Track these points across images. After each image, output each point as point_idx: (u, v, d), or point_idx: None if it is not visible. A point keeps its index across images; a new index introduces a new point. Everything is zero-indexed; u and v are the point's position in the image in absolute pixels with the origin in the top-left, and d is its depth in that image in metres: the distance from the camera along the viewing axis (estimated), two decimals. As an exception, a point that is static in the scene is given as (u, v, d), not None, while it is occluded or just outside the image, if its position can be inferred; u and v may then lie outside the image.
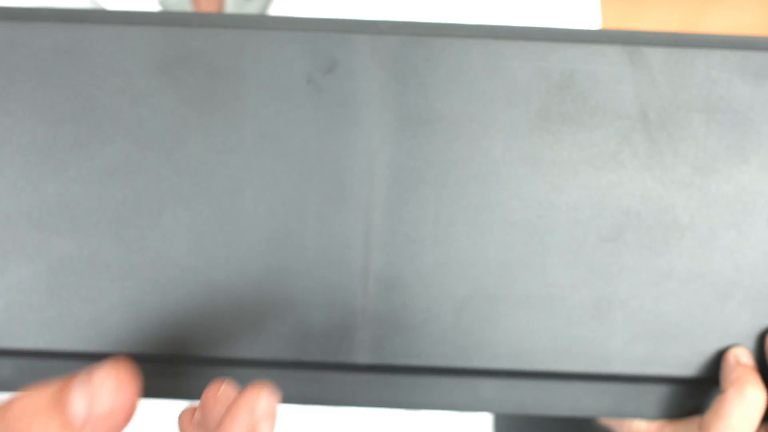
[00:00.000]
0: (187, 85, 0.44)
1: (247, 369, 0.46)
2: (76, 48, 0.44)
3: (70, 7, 0.44)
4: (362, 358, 0.46)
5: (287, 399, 0.46)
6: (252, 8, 0.59)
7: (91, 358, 0.46)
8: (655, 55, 0.44)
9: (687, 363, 0.46)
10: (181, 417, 0.41)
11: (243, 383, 0.46)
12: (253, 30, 0.44)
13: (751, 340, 0.46)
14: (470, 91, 0.44)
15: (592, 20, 0.64)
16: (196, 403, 0.42)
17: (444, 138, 0.45)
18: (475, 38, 0.44)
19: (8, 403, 0.33)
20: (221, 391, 0.39)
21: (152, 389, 0.46)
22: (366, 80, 0.44)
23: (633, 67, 0.44)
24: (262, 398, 0.36)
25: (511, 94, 0.44)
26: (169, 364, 0.46)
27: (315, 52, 0.44)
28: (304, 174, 0.45)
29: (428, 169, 0.45)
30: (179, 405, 0.45)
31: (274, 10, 0.58)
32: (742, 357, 0.45)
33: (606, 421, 0.51)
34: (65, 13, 0.44)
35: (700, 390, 0.47)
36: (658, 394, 0.47)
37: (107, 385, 0.34)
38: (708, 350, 0.46)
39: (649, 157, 0.45)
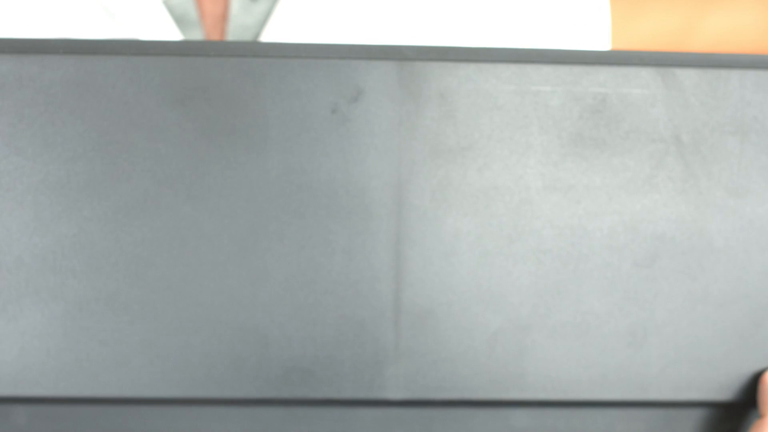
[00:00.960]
0: (205, 117, 0.43)
1: (276, 409, 0.45)
2: (87, 81, 0.42)
3: (81, 38, 0.42)
4: (394, 393, 0.45)
5: None
6: (258, 9, 0.57)
7: (112, 404, 0.44)
8: (688, 76, 0.44)
9: (724, 387, 0.45)
10: None
11: (271, 424, 0.45)
12: (275, 59, 0.43)
13: (786, 362, 0.46)
14: (501, 117, 0.43)
15: (601, 20, 0.63)
16: None
17: (475, 166, 0.43)
18: (504, 63, 0.43)
19: None
20: None
21: None
22: (393, 108, 0.43)
23: (666, 89, 0.44)
24: None
25: (543, 119, 0.43)
26: (194, 408, 0.44)
27: (339, 81, 0.43)
28: (330, 207, 0.43)
29: (459, 199, 0.44)
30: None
31: (281, 11, 0.56)
32: (779, 380, 0.45)
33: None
34: (75, 45, 0.42)
35: (737, 414, 0.47)
36: (694, 419, 0.46)
37: None
38: (745, 374, 0.45)
39: (683, 180, 0.44)
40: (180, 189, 0.43)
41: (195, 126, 0.43)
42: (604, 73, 0.43)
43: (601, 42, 0.64)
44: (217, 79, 0.43)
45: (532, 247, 0.44)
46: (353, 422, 0.45)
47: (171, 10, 0.56)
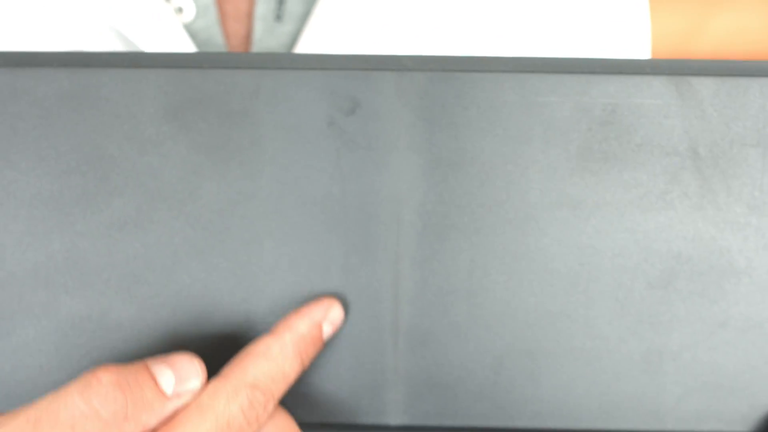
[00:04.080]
0: (199, 130, 0.42)
1: (270, 433, 0.43)
2: (80, 94, 0.42)
3: (74, 51, 0.42)
4: (394, 419, 0.43)
5: None
6: (283, 30, 0.55)
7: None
8: (705, 85, 0.41)
9: (745, 418, 0.43)
10: None
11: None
12: (269, 70, 0.42)
13: (816, 392, 0.42)
14: (504, 129, 0.41)
15: (641, 20, 0.61)
16: None
17: (477, 181, 0.42)
18: (508, 72, 0.41)
19: (93, 376, 0.37)
20: None
21: None
22: (391, 121, 0.41)
23: (681, 99, 0.41)
24: (335, 307, 0.42)
25: (549, 131, 0.41)
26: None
27: (336, 92, 0.41)
28: (327, 223, 0.42)
29: (460, 215, 0.42)
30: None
31: (310, 32, 0.54)
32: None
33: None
34: (68, 57, 0.42)
35: (761, 448, 0.43)
36: (715, 452, 0.43)
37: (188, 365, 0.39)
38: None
39: (701, 196, 0.41)
40: (173, 204, 0.42)
41: (188, 139, 0.42)
42: (614, 83, 0.41)
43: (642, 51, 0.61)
44: (210, 92, 0.42)
45: (538, 266, 0.42)
46: None
47: (195, 36, 0.55)
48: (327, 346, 0.43)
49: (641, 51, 0.61)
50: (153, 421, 0.38)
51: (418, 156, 0.42)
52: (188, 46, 0.54)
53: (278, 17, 0.55)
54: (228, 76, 0.42)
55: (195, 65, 0.42)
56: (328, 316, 0.42)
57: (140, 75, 0.42)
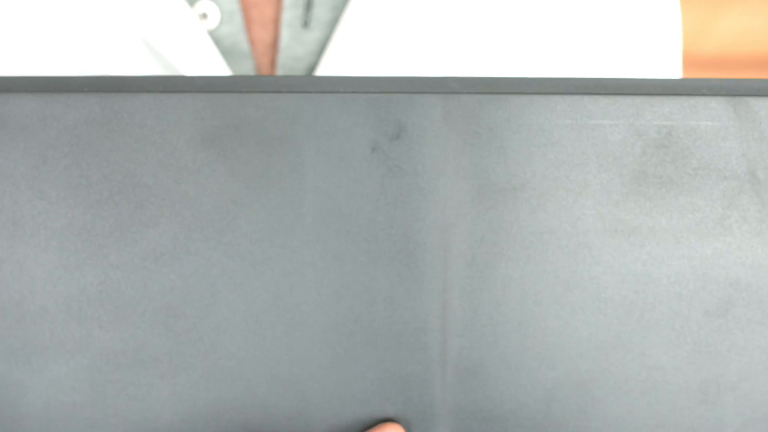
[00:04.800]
0: (237, 157, 0.40)
1: (314, 470, 0.42)
2: (113, 120, 0.40)
3: (106, 75, 0.40)
4: None
5: None
6: (311, 37, 0.54)
7: (141, 462, 0.42)
8: (764, 106, 0.40)
9: None
10: None
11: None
12: (310, 94, 0.40)
13: None
14: (556, 154, 0.40)
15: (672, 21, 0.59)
16: None
17: (527, 208, 0.40)
18: (559, 94, 0.40)
19: None
20: None
21: None
22: (438, 146, 0.40)
23: (739, 120, 0.40)
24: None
25: (602, 155, 0.40)
26: (228, 467, 0.42)
27: (380, 117, 0.40)
28: (371, 252, 0.40)
29: (510, 243, 0.40)
30: None
31: (339, 40, 0.53)
32: None
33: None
34: (100, 82, 0.40)
35: (823, 481, 0.42)
36: (775, 485, 0.42)
37: None
38: None
39: (760, 221, 0.40)
40: (211, 234, 0.40)
41: (226, 167, 0.40)
42: (669, 104, 0.40)
43: (674, 66, 0.60)
44: (249, 117, 0.40)
45: (591, 295, 0.40)
46: None
47: (219, 42, 0.54)
48: (372, 380, 0.41)
49: (672, 54, 0.60)
50: None
51: (466, 182, 0.40)
52: (212, 53, 0.52)
53: (305, 24, 0.54)
54: (267, 101, 0.40)
55: (233, 89, 0.40)
56: None
57: (175, 100, 0.40)
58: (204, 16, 0.54)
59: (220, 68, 0.53)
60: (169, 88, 0.40)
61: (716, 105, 0.40)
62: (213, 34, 0.54)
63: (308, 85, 0.40)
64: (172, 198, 0.40)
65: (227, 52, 0.54)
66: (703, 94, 0.40)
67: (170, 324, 0.41)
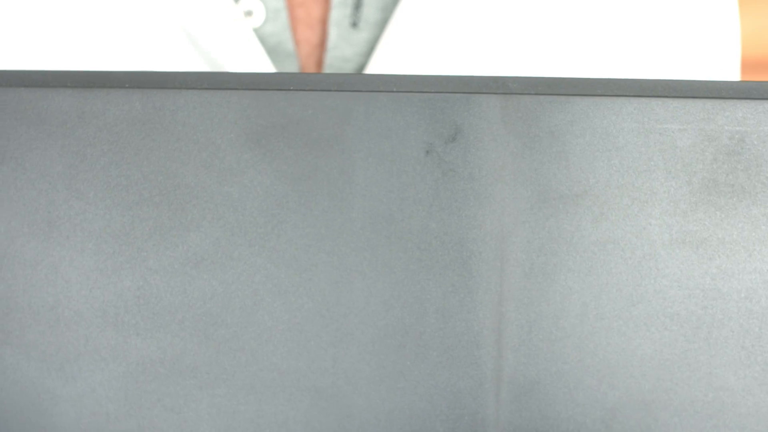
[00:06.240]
0: (284, 158, 0.39)
1: (358, 490, 0.40)
2: (154, 118, 0.39)
3: (147, 71, 0.39)
4: None
5: None
6: (360, 37, 0.53)
7: (177, 477, 0.40)
8: None
9: None
10: None
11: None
12: (361, 92, 0.39)
13: None
14: (621, 159, 0.38)
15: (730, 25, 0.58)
16: None
17: (590, 216, 0.39)
18: (625, 96, 0.39)
19: None
20: None
21: None
22: (495, 149, 0.39)
23: (817, 127, 0.38)
24: None
25: (671, 162, 0.38)
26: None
27: (435, 117, 0.39)
28: (423, 261, 0.39)
29: (571, 254, 0.39)
30: None
31: (387, 41, 0.51)
32: None
33: None
34: (141, 77, 0.39)
35: None
36: None
37: None
38: None
39: None
40: (254, 239, 0.39)
41: (272, 168, 0.39)
42: (742, 108, 0.38)
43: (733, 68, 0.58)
44: (296, 116, 0.39)
45: (656, 310, 0.39)
46: None
47: (263, 40, 0.53)
48: (422, 395, 0.39)
49: (731, 57, 0.59)
50: None
51: (525, 188, 0.39)
52: (257, 51, 0.51)
53: (354, 23, 0.53)
54: (316, 99, 0.39)
55: (280, 87, 0.39)
56: None
57: (220, 97, 0.39)
58: (249, 13, 0.53)
59: (264, 67, 0.52)
60: (214, 85, 0.39)
61: None
62: (257, 33, 0.53)
63: (359, 83, 0.39)
64: (214, 200, 0.39)
65: (271, 51, 0.53)
66: None
67: (210, 332, 0.40)
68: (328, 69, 0.53)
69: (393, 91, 0.39)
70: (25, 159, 0.39)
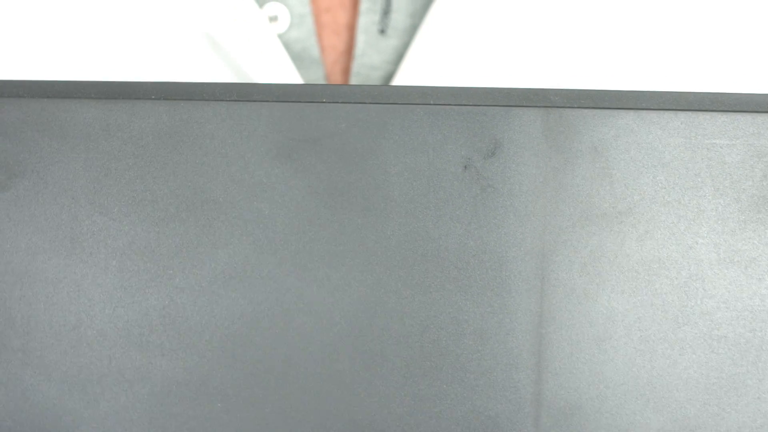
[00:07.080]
0: (316, 173, 0.38)
1: None
2: (181, 130, 0.38)
3: (174, 81, 0.38)
4: None
5: None
6: (388, 44, 0.51)
7: (203, 503, 0.39)
8: None
9: None
10: None
11: None
12: (397, 105, 0.37)
13: None
14: (667, 175, 0.37)
15: None
16: None
17: (634, 234, 0.37)
18: (672, 110, 0.37)
19: None
20: None
21: None
22: (536, 164, 0.37)
23: None
24: None
25: (719, 178, 0.37)
26: None
27: (473, 131, 0.38)
28: (460, 280, 0.38)
29: (614, 273, 0.37)
30: None
31: (416, 49, 0.50)
32: None
33: None
34: (168, 89, 0.38)
35: None
36: None
37: None
38: None
39: None
40: (285, 256, 0.38)
41: (303, 183, 0.38)
42: None
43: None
44: (329, 129, 0.38)
45: (703, 332, 0.38)
46: None
47: (288, 47, 0.52)
48: (459, 420, 0.38)
49: None
50: None
51: (567, 205, 0.37)
52: (282, 57, 0.50)
53: (383, 30, 0.51)
54: (350, 112, 0.38)
55: (312, 99, 0.38)
56: None
57: (249, 109, 0.38)
58: (274, 18, 0.52)
59: (290, 74, 0.50)
60: (243, 97, 0.38)
61: None
62: (282, 38, 0.52)
63: (395, 95, 0.38)
64: (243, 216, 0.38)
65: (296, 58, 0.52)
66: None
67: (238, 354, 0.39)
68: (355, 77, 0.52)
69: (430, 104, 0.38)
70: (47, 172, 0.38)
